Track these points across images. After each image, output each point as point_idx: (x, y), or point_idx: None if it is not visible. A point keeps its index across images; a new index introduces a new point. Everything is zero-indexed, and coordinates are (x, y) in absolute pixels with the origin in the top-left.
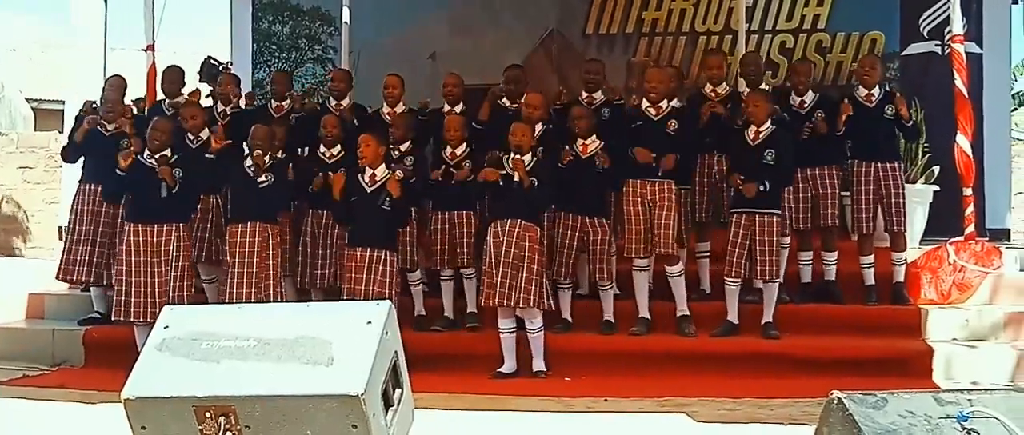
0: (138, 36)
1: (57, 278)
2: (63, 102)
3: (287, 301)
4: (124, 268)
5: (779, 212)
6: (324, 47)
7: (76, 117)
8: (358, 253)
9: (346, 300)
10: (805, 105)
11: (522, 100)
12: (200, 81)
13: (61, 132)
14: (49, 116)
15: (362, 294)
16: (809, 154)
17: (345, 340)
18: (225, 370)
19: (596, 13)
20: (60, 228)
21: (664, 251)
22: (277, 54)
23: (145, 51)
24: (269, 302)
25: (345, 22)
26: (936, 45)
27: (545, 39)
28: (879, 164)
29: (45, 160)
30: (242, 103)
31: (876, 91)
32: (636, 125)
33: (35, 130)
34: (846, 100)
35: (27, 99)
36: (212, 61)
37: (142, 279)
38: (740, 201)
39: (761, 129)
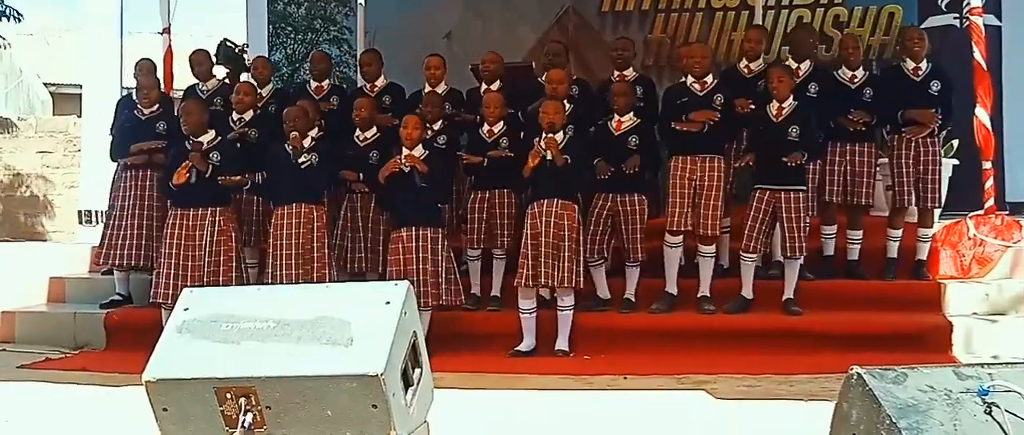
0: (154, 19)
1: (97, 263)
2: (80, 86)
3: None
4: (164, 251)
5: (804, 188)
6: (339, 28)
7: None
8: (404, 234)
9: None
10: (856, 80)
11: (544, 77)
12: (216, 63)
13: (79, 116)
14: (67, 100)
15: (413, 274)
16: (847, 130)
17: (364, 320)
18: (245, 351)
19: None
20: (80, 212)
21: (709, 233)
22: (293, 35)
23: (161, 34)
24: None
25: (360, 3)
26: (954, 18)
27: (561, 17)
28: (920, 139)
29: (64, 144)
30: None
31: (924, 65)
32: (682, 102)
33: (53, 114)
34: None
35: (45, 84)
36: (228, 43)
37: (178, 262)
38: (765, 177)
39: (784, 105)
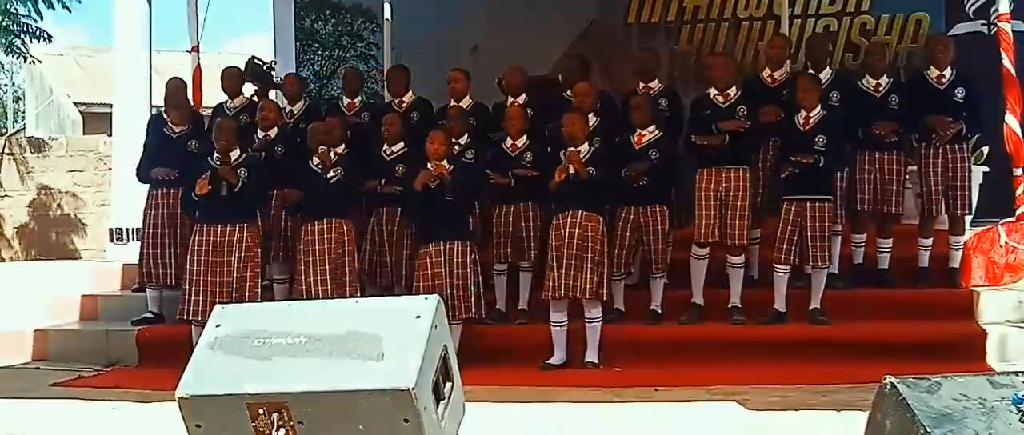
0: (183, 38)
1: (139, 282)
2: (111, 105)
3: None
4: (191, 268)
5: (830, 198)
6: (366, 44)
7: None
8: (432, 249)
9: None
10: (881, 88)
11: (571, 91)
12: (244, 81)
13: (110, 135)
14: (97, 120)
15: (442, 288)
16: (877, 139)
17: (395, 335)
18: (277, 367)
19: (637, 2)
20: (111, 230)
21: (737, 243)
22: (320, 52)
23: (190, 53)
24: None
25: (387, 19)
26: (982, 24)
27: (587, 30)
28: (948, 146)
29: (94, 163)
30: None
31: (948, 73)
32: (705, 114)
33: (84, 134)
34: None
35: (75, 103)
36: (256, 61)
37: (205, 279)
38: (792, 188)
39: (812, 114)
